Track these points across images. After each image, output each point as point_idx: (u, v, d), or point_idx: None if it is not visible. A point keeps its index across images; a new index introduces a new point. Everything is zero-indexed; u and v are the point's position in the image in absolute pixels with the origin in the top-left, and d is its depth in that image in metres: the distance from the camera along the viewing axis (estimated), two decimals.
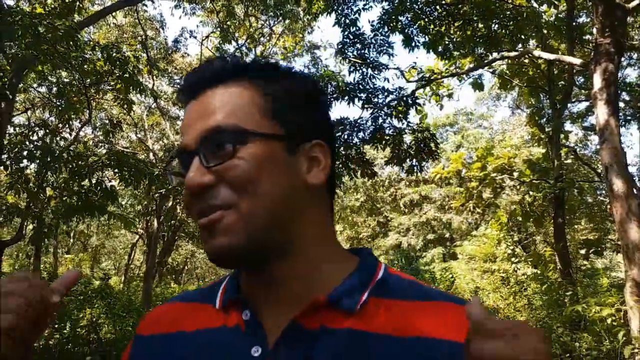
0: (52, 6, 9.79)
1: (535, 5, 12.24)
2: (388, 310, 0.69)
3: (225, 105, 0.71)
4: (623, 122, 14.29)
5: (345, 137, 11.18)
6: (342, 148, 11.04)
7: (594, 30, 9.61)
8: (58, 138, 10.53)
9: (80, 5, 9.96)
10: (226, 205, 0.67)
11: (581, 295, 11.04)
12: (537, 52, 10.44)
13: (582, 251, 13.34)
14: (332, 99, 11.40)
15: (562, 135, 13.54)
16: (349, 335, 0.67)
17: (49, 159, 9.50)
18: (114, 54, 9.25)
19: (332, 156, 0.77)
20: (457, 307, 0.69)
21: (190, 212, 0.71)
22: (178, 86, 1.00)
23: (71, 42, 8.27)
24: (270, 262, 0.71)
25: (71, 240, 21.17)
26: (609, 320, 8.40)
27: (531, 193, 12.51)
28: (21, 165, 9.91)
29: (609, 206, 15.67)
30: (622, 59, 11.45)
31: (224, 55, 0.79)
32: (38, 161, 9.61)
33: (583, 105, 16.66)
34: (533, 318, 11.64)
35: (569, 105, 14.70)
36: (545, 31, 12.36)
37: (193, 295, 0.85)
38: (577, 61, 9.49)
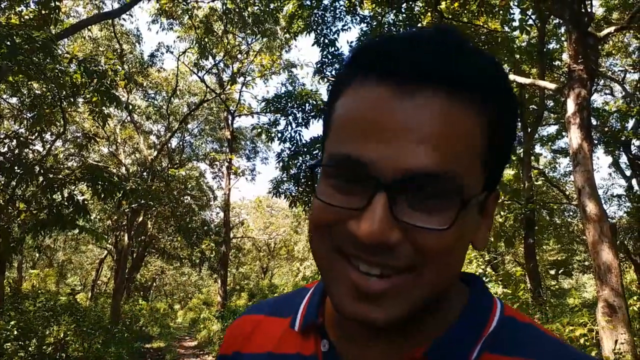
0: (28, 17, 9.65)
1: (508, 30, 12.62)
2: None
3: (462, 140, 0.50)
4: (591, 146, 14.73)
5: None
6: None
7: (567, 57, 9.93)
8: (28, 150, 10.30)
9: (56, 18, 9.85)
10: (407, 268, 0.51)
11: (551, 315, 11.24)
12: (512, 76, 10.72)
13: (552, 271, 13.60)
14: (309, 117, 11.49)
15: (532, 158, 13.88)
16: None
17: (19, 171, 9.30)
18: (92, 67, 9.16)
19: None
20: None
21: (332, 239, 0.54)
22: (371, 43, 0.53)
23: (47, 54, 8.16)
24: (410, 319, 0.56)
25: (37, 254, 20.61)
26: (581, 340, 8.56)
27: (502, 213, 12.74)
28: None
29: (576, 227, 16.14)
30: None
31: (447, 27, 0.55)
32: (7, 173, 9.40)
33: (553, 129, 17.16)
34: None
35: (539, 128, 15.11)
36: (517, 56, 12.72)
37: (277, 306, 0.75)
38: (551, 86, 9.78)
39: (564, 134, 14.48)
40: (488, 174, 0.54)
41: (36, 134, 10.46)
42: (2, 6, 9.65)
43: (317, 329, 0.65)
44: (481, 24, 12.17)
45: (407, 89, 0.49)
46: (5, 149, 10.14)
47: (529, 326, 0.60)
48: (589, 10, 9.18)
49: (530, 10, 12.62)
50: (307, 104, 11.59)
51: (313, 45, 11.24)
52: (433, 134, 0.49)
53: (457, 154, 0.49)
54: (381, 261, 0.50)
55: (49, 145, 10.92)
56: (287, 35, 13.05)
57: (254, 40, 15.80)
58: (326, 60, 11.43)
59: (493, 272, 13.51)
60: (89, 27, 13.00)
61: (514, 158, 13.98)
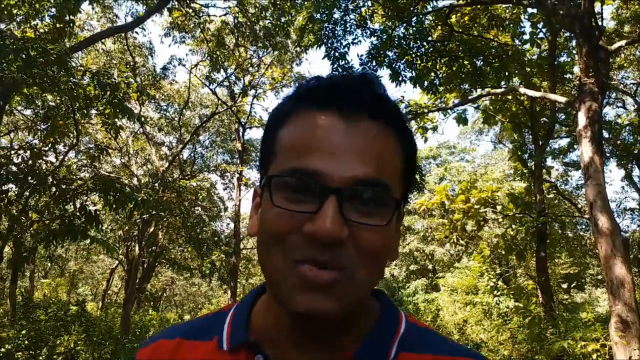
0: (43, 30, 9.81)
1: (519, 44, 12.61)
2: None
3: (391, 161, 0.63)
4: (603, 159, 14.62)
5: None
6: None
7: (578, 70, 9.89)
8: (41, 161, 10.42)
9: (71, 31, 9.99)
10: (347, 268, 0.59)
11: (563, 329, 11.10)
12: (522, 90, 10.70)
13: (564, 285, 13.46)
14: None
15: (544, 171, 13.81)
16: None
17: (33, 181, 9.40)
18: (105, 80, 9.27)
19: None
20: None
21: (287, 251, 0.60)
22: (313, 80, 0.66)
23: (62, 67, 8.27)
24: (344, 322, 0.66)
25: (49, 264, 20.75)
26: (594, 356, 8.45)
27: (514, 226, 12.66)
28: (4, 187, 9.79)
29: (589, 241, 15.99)
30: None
31: (380, 82, 0.67)
32: (20, 183, 9.50)
33: (564, 142, 17.06)
34: (516, 352, 11.65)
35: (550, 141, 15.05)
36: (528, 69, 12.70)
37: (194, 330, 0.76)
38: (561, 99, 9.74)
39: (575, 146, 14.41)
40: (403, 193, 0.66)
41: (49, 145, 10.58)
42: (18, 20, 9.82)
43: (248, 346, 0.68)
44: (491, 37, 12.18)
45: (351, 117, 0.62)
46: (19, 159, 10.26)
47: (428, 330, 0.72)
48: (600, 23, 9.16)
49: (541, 23, 12.62)
50: None
51: (324, 58, 11.29)
52: (372, 152, 0.61)
53: (388, 169, 0.62)
54: (330, 259, 0.58)
55: (62, 156, 11.04)
56: (298, 49, 13.13)
57: (265, 53, 15.93)
58: (336, 73, 11.45)
59: (504, 286, 13.44)
60: (103, 40, 13.17)
61: (525, 171, 13.92)
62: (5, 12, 8.89)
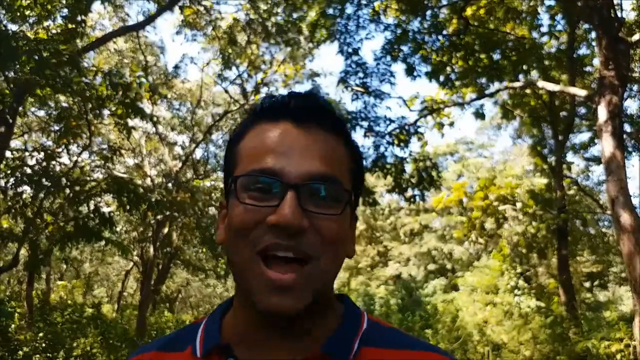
0: (55, 32, 9.75)
1: (536, 36, 12.35)
2: (377, 357, 0.71)
3: (339, 159, 0.73)
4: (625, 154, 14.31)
5: None
6: None
7: (597, 63, 9.63)
8: (55, 162, 10.39)
9: (82, 31, 9.93)
10: (310, 256, 0.67)
11: (586, 329, 10.86)
12: (540, 83, 10.46)
13: (586, 284, 13.19)
14: None
15: (564, 166, 13.51)
16: None
17: (47, 183, 9.37)
18: (117, 80, 9.20)
19: None
20: (437, 356, 0.73)
21: (254, 242, 0.67)
22: (267, 98, 0.76)
23: (74, 67, 8.21)
24: (304, 319, 0.70)
25: (64, 266, 20.84)
26: (618, 357, 8.22)
27: (534, 224, 12.41)
28: (19, 189, 9.78)
29: (612, 238, 15.64)
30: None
31: (320, 95, 0.79)
32: (35, 185, 9.48)
33: (585, 136, 16.72)
34: (538, 352, 11.42)
35: (570, 136, 14.74)
36: (546, 62, 12.43)
37: (170, 342, 0.81)
38: (581, 93, 9.49)
39: (596, 141, 14.08)
40: (353, 193, 0.74)
41: (63, 147, 10.54)
42: (31, 21, 9.77)
43: (220, 350, 0.73)
44: (508, 31, 11.93)
45: (302, 125, 0.72)
46: (34, 161, 10.25)
47: (391, 328, 0.78)
48: (619, 15, 8.90)
49: (559, 15, 12.34)
50: None
51: (337, 54, 11.14)
52: (323, 152, 0.70)
53: (337, 166, 0.71)
54: (295, 245, 0.66)
55: (75, 158, 11.00)
56: (311, 45, 12.98)
57: (277, 50, 15.79)
58: (350, 69, 11.30)
59: (526, 285, 13.16)
60: (114, 39, 13.12)
61: (545, 167, 13.63)
62: (18, 14, 8.85)
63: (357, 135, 11.25)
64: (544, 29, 12.65)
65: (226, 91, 17.25)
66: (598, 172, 18.88)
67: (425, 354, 0.73)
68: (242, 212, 0.68)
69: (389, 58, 11.46)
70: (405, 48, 11.53)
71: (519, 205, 13.24)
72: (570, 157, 16.79)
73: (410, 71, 11.50)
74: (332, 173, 0.69)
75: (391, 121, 11.41)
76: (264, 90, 17.36)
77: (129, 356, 0.83)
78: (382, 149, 11.16)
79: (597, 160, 16.59)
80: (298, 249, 0.66)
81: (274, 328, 0.71)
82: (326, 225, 0.67)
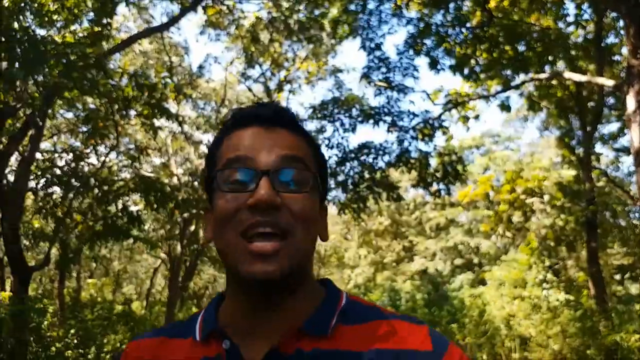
0: (82, 34, 9.91)
1: (562, 26, 12.12)
2: (353, 332, 0.79)
3: (304, 150, 0.84)
4: None
5: (370, 160, 11.05)
6: (366, 172, 10.92)
7: (625, 52, 9.42)
8: (83, 163, 10.59)
9: (108, 34, 10.08)
10: (286, 230, 0.76)
11: (617, 322, 10.66)
12: (567, 74, 10.27)
13: (617, 276, 12.94)
14: (356, 122, 11.33)
15: (592, 157, 13.26)
16: (320, 355, 0.77)
17: (76, 183, 9.56)
18: (142, 81, 9.34)
19: None
20: (410, 325, 0.81)
21: (237, 225, 0.76)
22: (237, 110, 0.94)
23: (100, 70, 8.35)
24: (285, 294, 0.80)
25: (94, 264, 21.25)
26: None
27: (562, 216, 12.21)
28: (49, 190, 10.00)
29: None
30: None
31: (287, 107, 0.94)
32: (64, 186, 9.68)
33: (614, 127, 16.37)
34: (567, 346, 11.26)
35: (599, 126, 14.44)
36: (573, 52, 12.19)
37: (173, 329, 0.90)
38: (609, 82, 9.30)
39: (626, 131, 13.78)
40: (320, 179, 0.84)
41: (91, 147, 10.75)
42: (58, 25, 9.96)
43: (216, 335, 0.81)
44: (533, 22, 11.73)
45: (269, 127, 0.83)
46: (63, 162, 10.47)
47: (371, 306, 0.86)
48: None
49: (585, 4, 12.09)
50: (353, 109, 11.44)
51: (359, 49, 11.11)
52: (288, 142, 0.82)
53: (303, 152, 0.82)
54: (272, 220, 0.75)
55: (103, 158, 11.20)
56: (333, 41, 12.96)
57: (299, 47, 15.80)
58: (372, 64, 11.25)
59: (554, 278, 12.96)
60: (139, 41, 13.29)
61: (573, 158, 13.40)
62: (46, 19, 9.02)
63: (381, 130, 11.18)
64: (570, 19, 12.41)
65: (250, 89, 17.35)
66: (628, 162, 18.52)
67: (399, 322, 0.81)
68: (224, 202, 0.78)
69: (411, 52, 11.38)
70: (428, 42, 11.44)
71: (546, 197, 13.03)
72: (599, 148, 16.48)
73: (433, 65, 11.40)
74: (300, 154, 0.81)
75: (415, 115, 11.33)
76: (287, 88, 17.42)
77: (137, 336, 0.94)
78: (405, 143, 11.09)
79: (626, 150, 16.23)
80: (275, 223, 0.75)
81: (259, 309, 0.79)
82: (297, 202, 0.77)
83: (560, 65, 12.65)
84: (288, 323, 0.79)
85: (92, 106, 10.68)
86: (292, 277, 0.77)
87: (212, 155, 0.87)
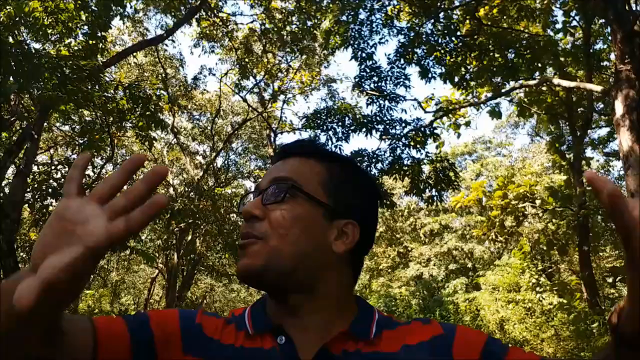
0: (76, 48, 10.04)
1: (551, 33, 12.30)
2: (386, 338, 0.90)
3: (296, 168, 0.95)
4: None
5: (363, 168, 11.16)
6: None
7: (613, 57, 9.59)
8: None
9: (103, 47, 10.21)
10: (259, 236, 0.88)
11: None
12: (556, 80, 10.42)
13: (609, 279, 13.03)
14: (349, 131, 11.45)
15: (583, 162, 13.41)
16: (364, 356, 0.87)
17: None
18: (137, 93, 9.45)
19: (364, 236, 0.95)
20: (422, 324, 0.94)
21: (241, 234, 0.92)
22: (277, 150, 1.20)
23: (95, 82, 8.46)
24: (290, 293, 0.89)
25: (91, 276, 21.22)
26: None
27: (554, 221, 12.33)
28: (45, 202, 10.08)
29: None
30: None
31: (311, 138, 1.14)
32: (61, 198, 9.75)
33: (604, 131, 16.53)
34: (561, 349, 11.34)
35: (589, 131, 14.60)
36: (562, 59, 12.36)
37: (228, 320, 0.97)
38: (597, 88, 9.46)
39: (615, 135, 13.94)
40: (333, 198, 0.93)
41: None
42: (53, 39, 10.09)
43: (271, 331, 0.89)
44: (522, 29, 11.90)
45: (284, 160, 0.98)
46: (59, 175, 10.56)
47: (390, 317, 0.97)
48: (635, 8, 8.86)
49: (574, 11, 12.27)
50: (346, 118, 11.56)
51: (351, 60, 11.24)
52: (290, 167, 0.95)
53: (301, 174, 0.93)
54: (250, 228, 0.89)
55: (99, 170, 11.29)
56: (325, 52, 13.12)
57: (293, 58, 15.98)
58: (364, 74, 11.39)
59: (547, 282, 13.08)
60: (134, 53, 13.43)
61: (563, 163, 13.55)
62: (41, 33, 9.13)
63: (373, 139, 11.31)
64: (559, 26, 12.59)
65: (244, 100, 17.51)
66: (618, 166, 18.66)
67: (414, 323, 0.95)
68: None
69: (402, 61, 11.52)
70: (419, 51, 11.59)
71: (538, 202, 13.15)
72: (589, 152, 16.66)
73: (424, 73, 11.53)
74: (287, 175, 0.93)
75: (407, 123, 11.45)
76: (281, 98, 17.57)
77: (200, 309, 1.05)
78: (398, 151, 11.21)
79: (616, 155, 16.39)
80: (252, 229, 0.89)
81: (283, 311, 0.91)
82: (273, 212, 0.89)
83: (550, 71, 12.82)
84: (331, 327, 0.89)
85: (87, 119, 10.78)
86: (284, 277, 0.87)
87: None
